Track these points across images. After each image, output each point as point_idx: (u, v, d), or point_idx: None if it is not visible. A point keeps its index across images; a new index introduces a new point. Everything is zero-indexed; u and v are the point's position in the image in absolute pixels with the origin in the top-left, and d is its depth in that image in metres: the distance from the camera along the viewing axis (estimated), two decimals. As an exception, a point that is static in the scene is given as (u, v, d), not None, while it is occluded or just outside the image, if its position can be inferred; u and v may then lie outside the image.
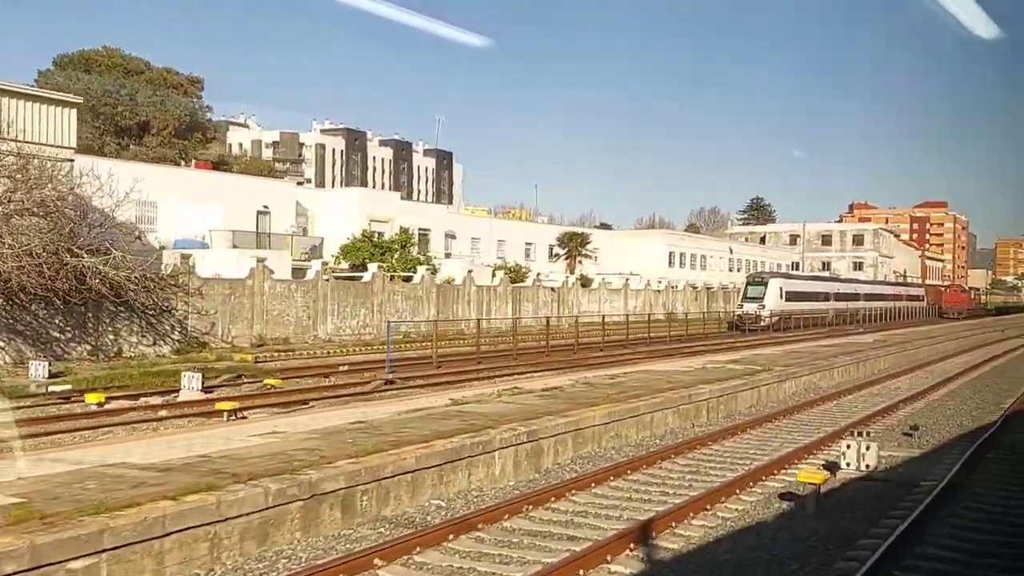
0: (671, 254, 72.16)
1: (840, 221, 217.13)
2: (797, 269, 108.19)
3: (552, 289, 47.34)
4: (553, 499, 10.43)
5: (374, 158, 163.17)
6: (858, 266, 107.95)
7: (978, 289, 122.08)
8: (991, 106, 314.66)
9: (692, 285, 65.64)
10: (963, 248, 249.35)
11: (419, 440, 11.05)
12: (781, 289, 59.27)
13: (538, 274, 46.77)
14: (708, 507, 10.25)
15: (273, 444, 10.86)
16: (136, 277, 25.17)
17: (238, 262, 32.34)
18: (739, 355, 29.42)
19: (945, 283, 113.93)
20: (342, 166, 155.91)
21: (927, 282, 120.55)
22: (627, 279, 57.44)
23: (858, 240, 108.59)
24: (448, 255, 50.98)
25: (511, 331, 33.81)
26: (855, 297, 75.86)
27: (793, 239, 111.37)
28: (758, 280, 59.60)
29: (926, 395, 22.81)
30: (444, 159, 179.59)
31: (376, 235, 42.41)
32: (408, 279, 38.66)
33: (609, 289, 55.45)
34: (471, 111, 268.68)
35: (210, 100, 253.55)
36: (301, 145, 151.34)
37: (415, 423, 12.65)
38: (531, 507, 10.03)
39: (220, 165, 69.72)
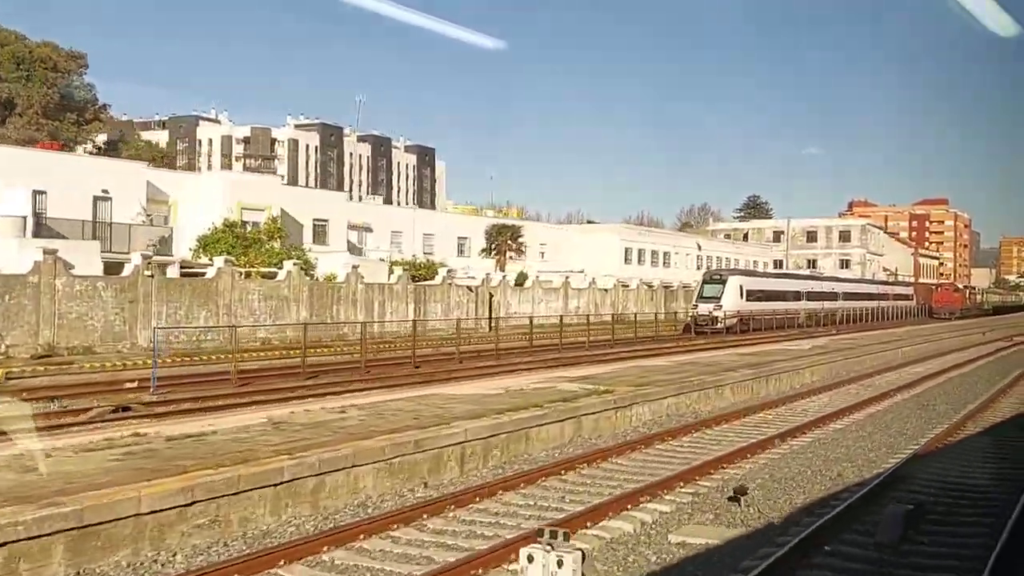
0: (627, 250, 66.58)
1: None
2: (782, 267, 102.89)
3: (469, 288, 41.95)
4: None
5: (351, 154, 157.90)
6: (845, 264, 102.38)
7: (973, 288, 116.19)
8: (996, 103, 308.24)
9: (648, 284, 60.18)
10: (965, 246, 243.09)
11: None
12: (741, 288, 53.84)
13: (449, 271, 41.18)
14: None
15: None
16: None
17: (20, 254, 27.12)
18: (627, 365, 24.19)
19: (937, 282, 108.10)
20: (316, 163, 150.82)
21: (920, 281, 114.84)
22: (567, 277, 52.01)
23: (845, 236, 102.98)
24: (359, 249, 45.74)
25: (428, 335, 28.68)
26: (832, 296, 70.33)
27: (777, 236, 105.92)
28: (715, 278, 54.18)
29: (826, 423, 17.46)
30: (426, 155, 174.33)
31: (243, 225, 36.99)
32: (271, 276, 33.29)
33: (546, 288, 50.11)
34: (459, 109, 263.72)
35: (194, 95, 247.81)
36: (273, 141, 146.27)
37: None
38: None
39: (108, 151, 64.32)
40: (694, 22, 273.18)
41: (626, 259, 66.32)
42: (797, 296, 62.92)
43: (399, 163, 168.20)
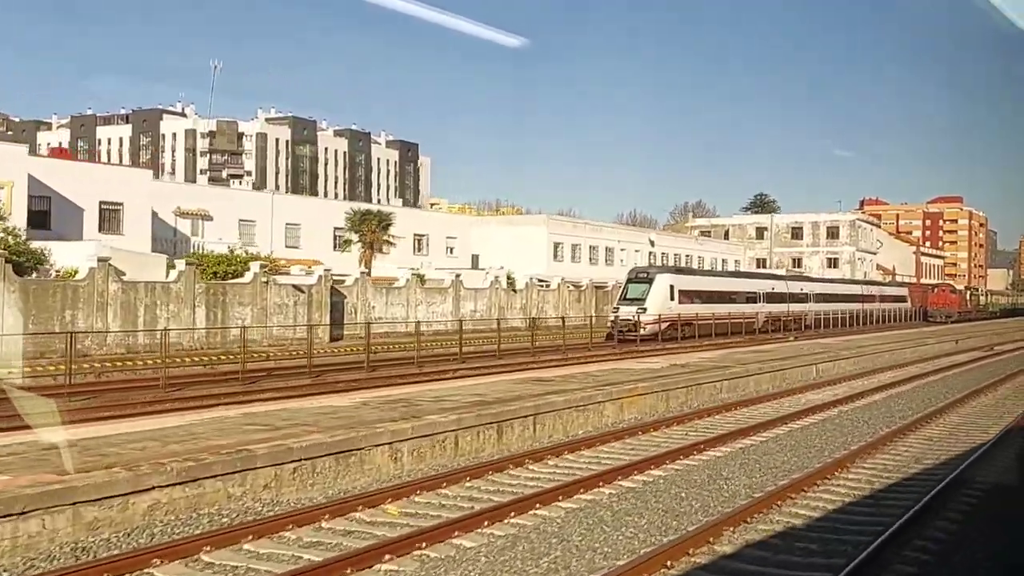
0: (556, 246, 58.73)
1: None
2: (764, 266, 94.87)
3: (297, 288, 34.30)
4: None
5: (326, 149, 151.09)
6: (832, 263, 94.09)
7: (975, 289, 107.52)
8: (1017, 101, 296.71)
9: (575, 283, 52.48)
10: (980, 246, 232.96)
11: None
12: (672, 288, 46.14)
13: (265, 266, 33.17)
14: None
15: None
16: None
17: None
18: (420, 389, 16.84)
19: (934, 282, 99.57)
20: (287, 158, 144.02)
21: (920, 281, 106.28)
22: (458, 275, 44.34)
23: (832, 233, 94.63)
24: (188, 241, 38.36)
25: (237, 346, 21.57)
26: (800, 298, 62.43)
27: (760, 232, 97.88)
28: (641, 276, 46.50)
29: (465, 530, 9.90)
30: (409, 150, 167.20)
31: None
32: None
33: (430, 288, 42.53)
34: (453, 105, 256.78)
35: (178, 87, 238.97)
36: (240, 135, 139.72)
37: None
38: None
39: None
40: (702, 20, 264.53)
41: (555, 255, 58.43)
42: (752, 298, 55.13)
43: (379, 159, 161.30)
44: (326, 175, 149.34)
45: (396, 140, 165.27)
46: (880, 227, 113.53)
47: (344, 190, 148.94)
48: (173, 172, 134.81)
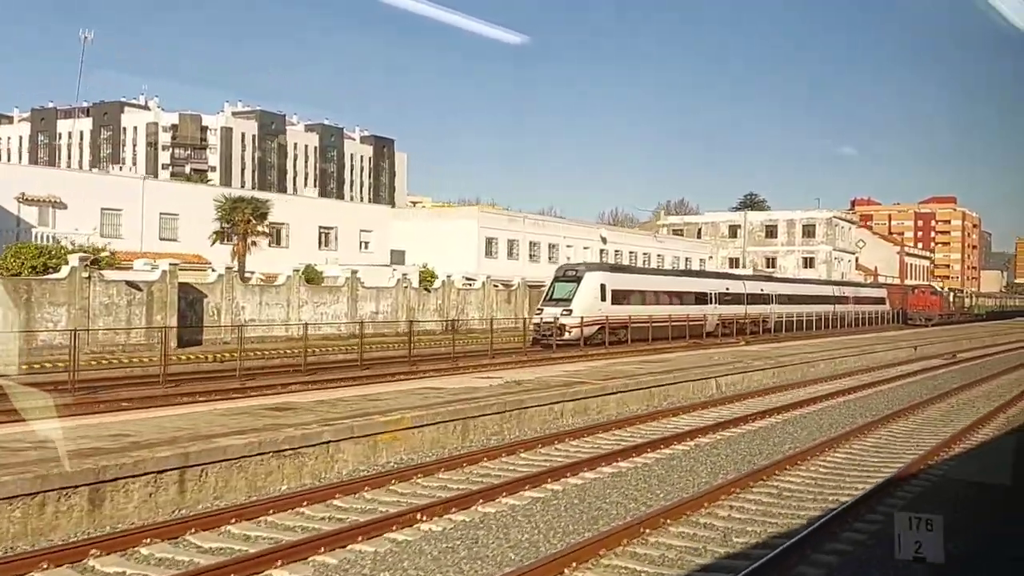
0: (489, 241, 53.89)
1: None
2: (738, 266, 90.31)
3: (132, 285, 29.50)
4: None
5: (295, 144, 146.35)
6: (808, 262, 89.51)
7: (960, 291, 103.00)
8: (1014, 102, 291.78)
9: (505, 282, 47.85)
10: (974, 247, 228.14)
11: None
12: (603, 287, 41.57)
13: (86, 258, 28.17)
14: None
15: None
16: None
17: None
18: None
19: (914, 284, 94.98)
20: (253, 152, 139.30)
21: (899, 283, 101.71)
22: (354, 272, 39.58)
23: (808, 231, 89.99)
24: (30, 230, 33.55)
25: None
26: (761, 299, 57.91)
27: (734, 231, 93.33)
28: (569, 274, 41.91)
29: None
30: (384, 146, 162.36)
31: None
32: None
33: (319, 287, 37.85)
34: (441, 102, 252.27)
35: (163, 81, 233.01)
36: (204, 129, 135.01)
37: None
38: None
39: None
40: (699, 20, 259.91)
41: (488, 251, 53.64)
42: (702, 299, 50.55)
43: (352, 155, 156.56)
44: (295, 170, 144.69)
45: (371, 135, 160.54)
46: (860, 226, 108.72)
47: (315, 186, 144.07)
48: (134, 167, 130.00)
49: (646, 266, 66.23)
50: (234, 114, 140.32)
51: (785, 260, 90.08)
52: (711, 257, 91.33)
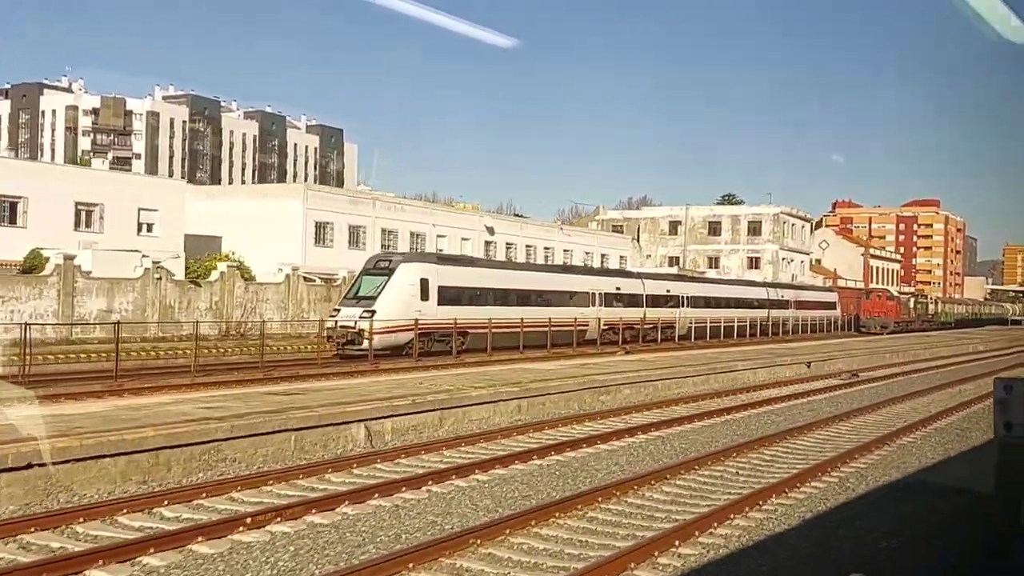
0: (322, 227, 44.77)
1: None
2: (678, 265, 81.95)
3: None
4: None
5: (232, 132, 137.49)
6: (753, 263, 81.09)
7: (923, 295, 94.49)
8: (1002, 110, 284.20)
9: (325, 275, 39.01)
10: (957, 252, 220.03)
11: None
12: (425, 283, 33.09)
13: None
14: None
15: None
16: None
17: None
18: None
19: (868, 288, 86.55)
20: (184, 139, 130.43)
21: (872, 286, 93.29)
22: (70, 257, 30.77)
23: (754, 229, 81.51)
24: None
25: None
26: (665, 301, 49.69)
27: (674, 227, 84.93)
28: (381, 266, 33.34)
29: None
30: (332, 136, 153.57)
31: None
32: None
33: (5, 276, 29.14)
34: (389, 95, 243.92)
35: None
36: (128, 114, 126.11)
37: None
38: None
39: None
40: (677, 22, 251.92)
41: (320, 238, 44.61)
42: (582, 300, 42.24)
43: (296, 144, 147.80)
44: (231, 160, 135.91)
45: (318, 124, 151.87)
46: (840, 228, 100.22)
47: (253, 177, 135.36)
48: (52, 153, 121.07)
49: (547, 263, 57.76)
50: (165, 98, 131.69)
51: (729, 260, 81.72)
52: (649, 256, 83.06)
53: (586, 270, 44.96)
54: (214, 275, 35.17)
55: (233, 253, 36.99)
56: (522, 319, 35.65)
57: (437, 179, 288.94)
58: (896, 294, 79.11)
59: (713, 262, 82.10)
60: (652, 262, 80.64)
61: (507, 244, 54.42)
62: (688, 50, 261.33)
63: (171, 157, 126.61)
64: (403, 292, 32.21)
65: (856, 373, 31.32)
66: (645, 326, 47.19)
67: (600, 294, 43.37)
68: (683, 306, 51.05)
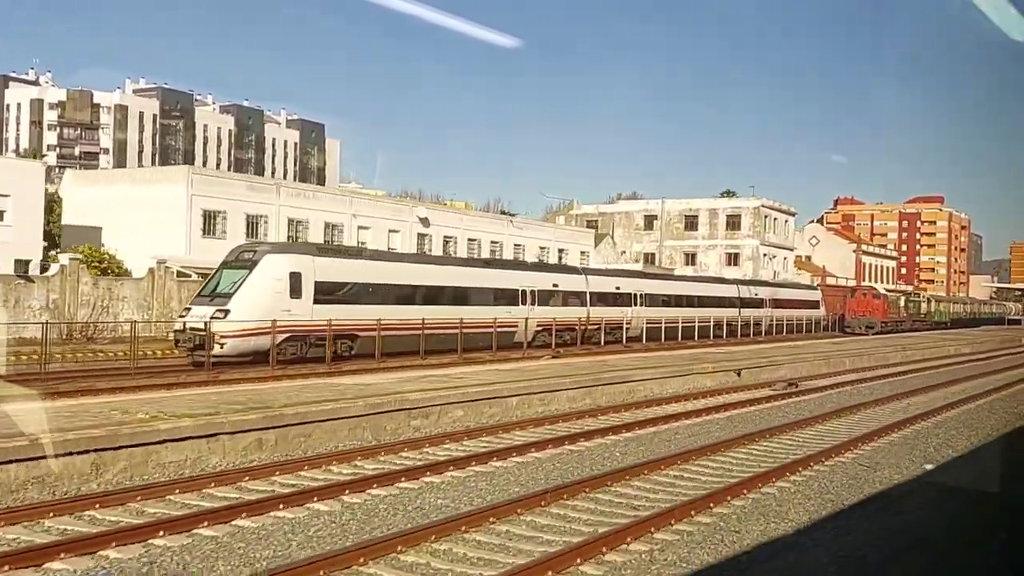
0: (211, 215, 39.50)
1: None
2: (655, 262, 77.27)
3: None
4: None
5: (206, 127, 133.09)
6: (732, 259, 76.28)
7: (915, 294, 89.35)
8: (1009, 109, 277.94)
9: (200, 269, 34.11)
10: (962, 250, 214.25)
11: None
12: (296, 278, 28.47)
13: None
14: None
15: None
16: None
17: None
18: None
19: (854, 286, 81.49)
20: (154, 134, 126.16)
21: (865, 284, 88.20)
22: None
23: (733, 223, 76.65)
24: None
25: None
26: (614, 299, 45.20)
27: (649, 222, 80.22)
28: (245, 258, 28.77)
29: None
30: (312, 131, 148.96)
31: None
32: None
33: None
34: (372, 92, 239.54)
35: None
36: (95, 107, 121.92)
37: None
38: None
39: None
40: (678, 22, 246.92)
41: (208, 229, 39.33)
42: (511, 298, 37.69)
43: (275, 139, 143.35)
44: (205, 155, 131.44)
45: (298, 119, 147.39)
46: (841, 226, 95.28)
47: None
48: (18, 148, 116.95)
49: (475, 257, 53.08)
50: (136, 92, 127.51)
51: (707, 256, 76.92)
52: (624, 253, 78.38)
53: (516, 264, 40.31)
54: (53, 269, 30.66)
55: (102, 246, 32.45)
56: (423, 320, 31.04)
57: (436, 180, 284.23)
58: (883, 292, 74.17)
59: (690, 258, 77.37)
60: (627, 259, 76.02)
61: (445, 238, 49.59)
62: (689, 49, 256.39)
63: (140, 152, 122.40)
64: (267, 288, 27.64)
65: (795, 383, 26.60)
66: (589, 327, 42.65)
67: (533, 291, 38.74)
68: (636, 305, 46.45)
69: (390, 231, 45.65)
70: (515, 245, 55.59)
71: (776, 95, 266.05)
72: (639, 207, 79.84)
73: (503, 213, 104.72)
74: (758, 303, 59.55)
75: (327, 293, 29.04)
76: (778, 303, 62.01)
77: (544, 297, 39.77)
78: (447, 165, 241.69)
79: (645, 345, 43.43)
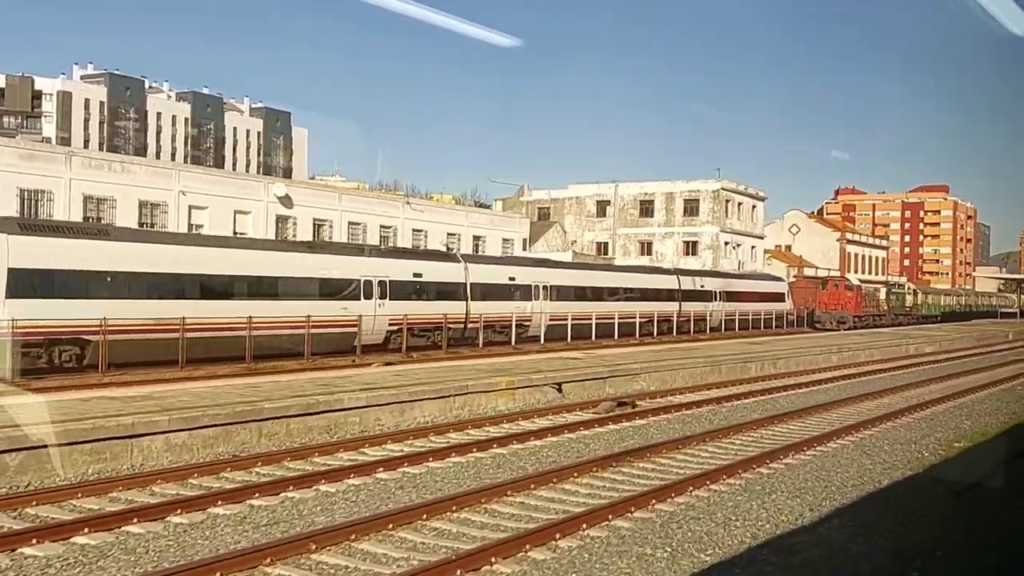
0: (28, 195, 31.47)
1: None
2: (607, 252, 70.05)
3: None
4: None
5: (159, 115, 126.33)
6: (691, 248, 68.79)
7: (899, 286, 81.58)
8: (1015, 103, 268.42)
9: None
10: (968, 241, 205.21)
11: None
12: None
13: None
14: None
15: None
16: None
17: None
18: None
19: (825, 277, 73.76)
20: (102, 122, 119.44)
21: (850, 276, 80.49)
22: None
23: (692, 209, 69.10)
24: None
25: None
26: (503, 293, 38.15)
27: (603, 208, 72.85)
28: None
29: None
30: (277, 120, 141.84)
31: None
32: None
33: None
34: (388, 95, 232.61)
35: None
36: (37, 94, 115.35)
37: None
38: None
39: None
40: (680, 16, 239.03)
41: (24, 207, 31.69)
42: (348, 290, 30.57)
43: (237, 128, 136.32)
44: (159, 145, 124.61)
45: (262, 107, 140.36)
46: (844, 218, 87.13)
47: (185, 163, 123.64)
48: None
49: (388, 245, 45.90)
50: (83, 78, 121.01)
51: (663, 245, 69.43)
52: (575, 242, 71.09)
53: (359, 249, 33.06)
54: None
55: None
56: (183, 319, 23.85)
57: (436, 180, 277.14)
58: (856, 283, 66.50)
59: (646, 247, 69.97)
60: (578, 249, 68.74)
61: (316, 221, 41.95)
62: (689, 43, 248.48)
63: (86, 142, 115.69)
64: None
65: (633, 402, 19.30)
66: (469, 324, 35.50)
67: (384, 282, 31.52)
68: (538, 298, 39.25)
69: (236, 212, 38.12)
70: (414, 231, 48.24)
71: (777, 89, 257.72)
72: (591, 192, 72.35)
73: (478, 204, 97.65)
74: (706, 296, 52.19)
75: (32, 286, 21.91)
76: (733, 296, 54.61)
77: (405, 290, 32.63)
78: (448, 165, 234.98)
79: (544, 345, 36.36)
